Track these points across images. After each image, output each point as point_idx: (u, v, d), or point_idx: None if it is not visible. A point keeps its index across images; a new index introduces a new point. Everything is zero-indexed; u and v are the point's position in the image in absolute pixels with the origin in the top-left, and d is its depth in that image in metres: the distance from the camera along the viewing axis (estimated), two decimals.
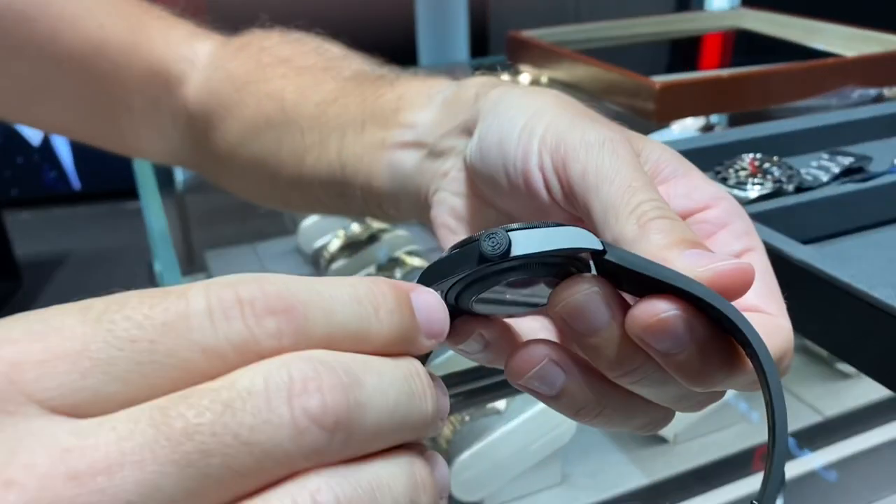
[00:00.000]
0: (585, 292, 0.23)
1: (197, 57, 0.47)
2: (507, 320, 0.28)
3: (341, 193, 0.41)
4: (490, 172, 0.31)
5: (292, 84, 0.43)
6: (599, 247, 0.23)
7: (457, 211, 0.34)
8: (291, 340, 0.17)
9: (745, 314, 0.24)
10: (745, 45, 1.26)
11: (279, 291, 0.17)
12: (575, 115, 0.29)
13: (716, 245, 0.28)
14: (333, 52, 0.45)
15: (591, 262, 0.24)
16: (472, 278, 0.24)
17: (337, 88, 0.41)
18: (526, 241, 0.23)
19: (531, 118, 0.30)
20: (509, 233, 0.23)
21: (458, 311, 0.26)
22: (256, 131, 0.44)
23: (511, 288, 0.25)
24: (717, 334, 0.23)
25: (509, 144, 0.30)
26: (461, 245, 0.24)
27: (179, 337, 0.16)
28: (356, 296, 0.19)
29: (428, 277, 0.24)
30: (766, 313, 0.26)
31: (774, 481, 0.20)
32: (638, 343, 0.23)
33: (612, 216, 0.26)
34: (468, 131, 0.33)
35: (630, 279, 0.24)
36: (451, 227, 0.35)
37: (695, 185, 0.29)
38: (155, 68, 0.47)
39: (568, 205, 0.28)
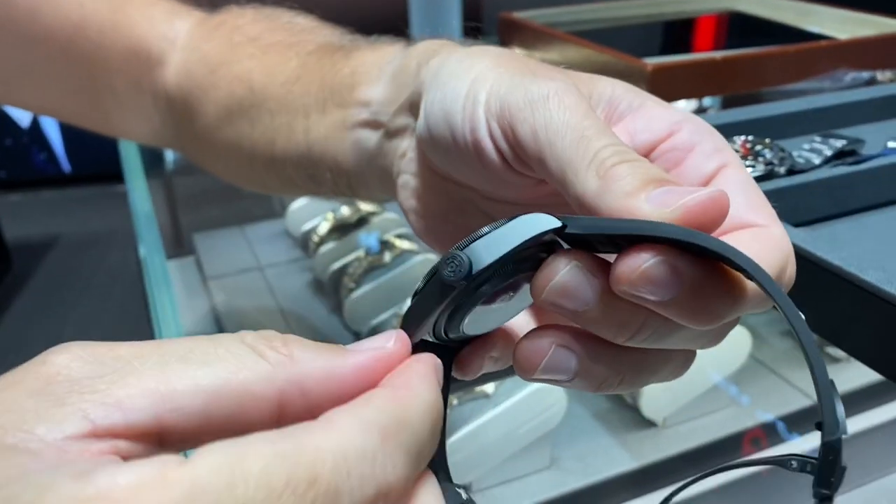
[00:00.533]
0: (563, 271, 0.22)
1: (177, 36, 0.46)
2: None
3: (312, 175, 0.40)
4: (441, 149, 0.30)
5: (260, 64, 0.42)
6: (558, 224, 0.22)
7: (419, 193, 0.34)
8: None
9: (735, 233, 0.23)
10: (739, 28, 1.25)
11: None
12: (516, 73, 0.28)
13: (687, 171, 0.27)
14: (301, 26, 0.44)
15: (559, 240, 0.23)
16: (450, 309, 0.23)
17: (300, 66, 0.40)
18: (485, 251, 0.22)
19: (472, 85, 0.28)
20: (465, 249, 0.22)
21: (455, 342, 0.26)
22: (230, 115, 0.43)
23: (496, 297, 0.24)
24: (708, 267, 0.22)
25: (455, 117, 0.29)
26: (425, 280, 0.23)
27: None
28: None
29: (409, 326, 0.23)
30: (755, 226, 0.25)
31: (825, 392, 0.19)
32: (632, 301, 0.22)
33: (571, 173, 0.24)
34: (415, 108, 0.32)
35: (602, 241, 0.23)
36: (418, 211, 0.34)
37: (653, 115, 0.28)
38: (136, 48, 0.46)
39: (526, 168, 0.27)
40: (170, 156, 0.98)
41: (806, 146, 0.60)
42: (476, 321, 0.25)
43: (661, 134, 0.28)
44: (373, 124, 0.36)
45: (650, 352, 0.25)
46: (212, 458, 0.16)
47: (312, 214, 0.86)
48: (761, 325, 0.73)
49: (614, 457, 0.62)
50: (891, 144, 0.60)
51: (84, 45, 0.46)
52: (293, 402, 0.19)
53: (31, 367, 0.18)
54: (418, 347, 0.24)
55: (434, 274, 0.23)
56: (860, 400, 0.67)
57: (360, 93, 0.36)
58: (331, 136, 0.38)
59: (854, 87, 0.78)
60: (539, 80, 0.27)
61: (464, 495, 0.24)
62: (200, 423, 0.18)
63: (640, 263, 0.21)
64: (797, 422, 0.65)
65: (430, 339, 0.25)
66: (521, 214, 0.22)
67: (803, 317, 0.20)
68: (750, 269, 0.20)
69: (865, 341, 0.42)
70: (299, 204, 0.88)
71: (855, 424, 0.64)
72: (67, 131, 2.73)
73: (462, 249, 0.22)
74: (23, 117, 2.69)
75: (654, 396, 0.63)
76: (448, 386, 0.26)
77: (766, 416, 0.64)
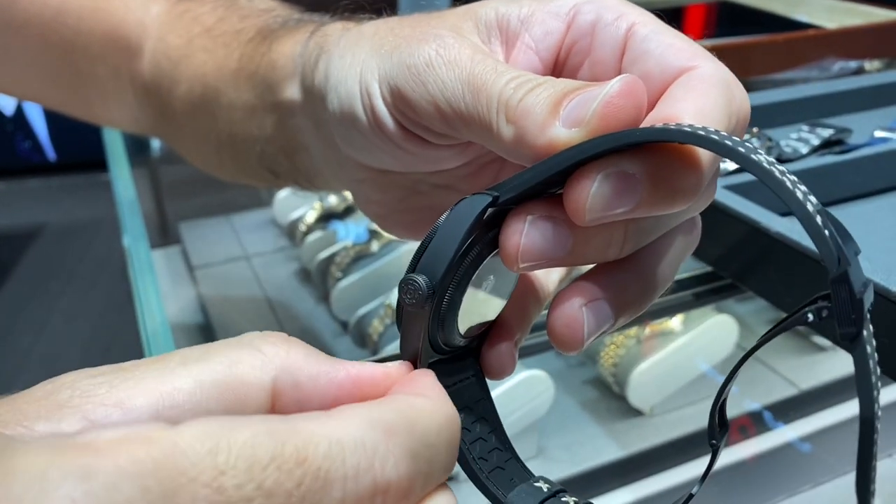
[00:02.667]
0: (523, 234, 0.22)
1: (151, 22, 0.45)
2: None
3: (271, 169, 0.40)
4: (364, 153, 0.30)
5: (212, 58, 0.40)
6: (489, 198, 0.22)
7: (369, 193, 0.33)
8: None
9: (668, 91, 0.22)
10: (728, 17, 1.25)
11: None
12: (394, 49, 0.27)
13: (599, 51, 0.25)
14: (255, 8, 0.42)
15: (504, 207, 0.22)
16: (434, 326, 0.23)
17: (240, 58, 0.39)
18: (435, 262, 0.22)
19: (362, 80, 0.28)
20: (416, 269, 0.22)
21: (466, 344, 0.25)
22: (194, 110, 0.42)
23: (480, 285, 0.24)
24: (654, 153, 0.21)
25: (361, 122, 0.28)
26: (397, 313, 0.23)
27: None
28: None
29: (409, 356, 0.23)
30: (683, 71, 0.23)
31: (812, 229, 0.17)
32: (603, 224, 0.21)
33: (484, 130, 0.24)
34: (321, 123, 0.31)
35: (545, 186, 0.22)
36: (377, 212, 0.34)
37: (545, 15, 0.26)
38: (114, 35, 0.45)
39: (450, 138, 0.27)
40: (155, 144, 0.97)
41: (793, 135, 0.60)
42: (471, 315, 0.25)
43: (561, 27, 0.26)
44: (306, 127, 0.35)
45: (659, 246, 0.24)
46: (200, 427, 0.16)
47: (299, 203, 0.86)
48: (748, 314, 0.74)
49: (601, 446, 0.62)
50: (878, 134, 0.61)
51: (63, 32, 0.45)
52: (286, 392, 0.19)
53: (37, 385, 0.18)
54: (439, 367, 0.24)
55: (399, 309, 0.23)
56: (846, 389, 0.67)
57: (283, 93, 0.35)
58: (277, 133, 0.37)
59: (842, 76, 0.78)
60: (416, 45, 0.26)
61: (545, 487, 0.23)
62: (200, 416, 0.18)
63: (587, 192, 0.20)
64: (784, 410, 0.65)
65: (441, 356, 0.24)
66: (452, 208, 0.22)
67: (763, 156, 0.19)
68: (688, 140, 0.19)
69: None
70: (286, 193, 0.88)
71: (841, 413, 0.65)
72: (52, 119, 2.70)
73: (413, 271, 0.22)
74: (6, 105, 2.67)
75: (641, 385, 0.63)
76: (488, 392, 0.26)
77: (753, 404, 0.65)
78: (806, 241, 0.43)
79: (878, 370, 0.18)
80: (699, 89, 0.22)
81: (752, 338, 0.72)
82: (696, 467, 0.60)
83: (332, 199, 0.83)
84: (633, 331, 0.64)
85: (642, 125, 0.22)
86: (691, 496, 0.22)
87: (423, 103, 0.25)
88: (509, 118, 0.23)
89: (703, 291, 0.51)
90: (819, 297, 0.18)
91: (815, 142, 0.58)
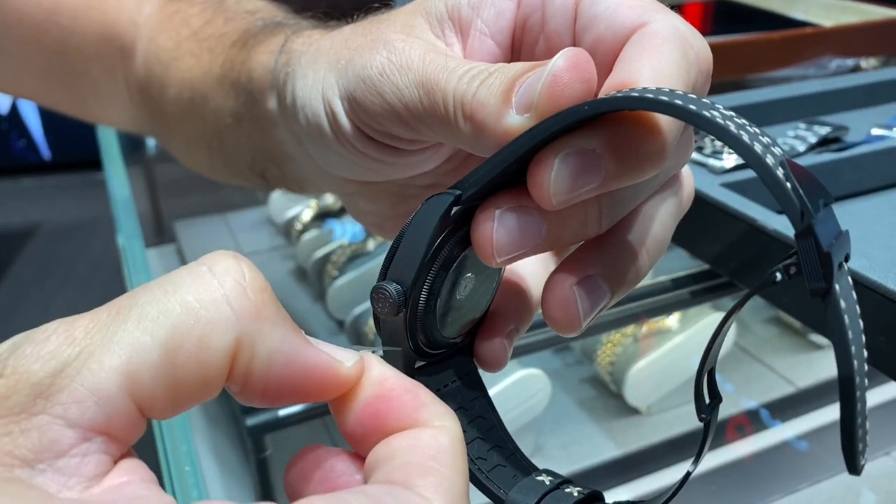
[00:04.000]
0: (494, 229, 0.21)
1: (144, 22, 0.45)
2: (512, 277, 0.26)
3: (263, 176, 0.39)
4: (343, 168, 0.30)
5: (198, 63, 0.40)
6: (451, 196, 0.21)
7: (361, 206, 0.33)
8: None
9: (623, 52, 0.21)
10: (725, 14, 1.25)
11: None
12: (349, 61, 0.26)
13: (549, 18, 0.25)
14: (242, 9, 0.41)
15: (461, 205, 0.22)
16: (412, 331, 0.23)
17: (223, 63, 0.38)
18: (404, 269, 0.21)
19: (324, 98, 0.28)
20: (386, 278, 0.21)
21: (458, 341, 0.25)
22: (184, 114, 0.41)
23: (458, 282, 0.24)
24: (611, 124, 0.20)
25: (330, 141, 0.28)
26: (376, 326, 0.23)
27: None
28: None
29: (397, 365, 0.22)
30: (634, 30, 0.22)
31: (773, 182, 0.17)
32: (571, 204, 0.21)
33: (445, 128, 0.23)
34: (299, 138, 0.31)
35: (508, 176, 0.22)
36: (373, 221, 0.34)
37: (497, 11, 0.25)
38: (108, 34, 0.45)
39: (421, 142, 0.27)
40: (151, 142, 0.96)
41: (790, 133, 0.60)
42: (460, 312, 0.24)
43: (511, 6, 0.26)
44: (287, 137, 0.34)
45: (640, 210, 0.24)
46: None
47: (295, 202, 0.85)
48: (745, 313, 0.74)
49: (598, 444, 0.62)
50: (875, 131, 0.61)
51: (57, 31, 0.45)
52: (240, 360, 0.18)
53: None
54: (429, 370, 0.23)
55: (377, 319, 0.22)
56: None
57: (264, 104, 0.34)
58: (263, 142, 0.36)
59: (838, 74, 0.78)
60: (368, 55, 0.25)
61: (547, 481, 0.23)
62: (168, 385, 0.17)
63: (547, 176, 0.20)
64: (780, 409, 0.65)
65: (428, 359, 0.24)
66: (415, 212, 0.22)
67: (719, 111, 0.18)
68: (637, 106, 0.19)
69: None
70: (281, 191, 0.87)
71: (835, 412, 0.64)
72: (47, 118, 2.69)
73: (384, 279, 0.22)
74: (1, 103, 2.66)
75: (638, 384, 0.63)
76: (485, 389, 0.25)
77: (750, 403, 0.65)
78: None
79: (861, 324, 0.17)
80: (652, 47, 0.21)
81: (749, 336, 0.72)
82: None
83: (329, 198, 0.83)
84: (630, 329, 0.64)
85: (600, 95, 0.21)
86: (689, 474, 0.21)
87: (384, 112, 0.25)
88: (466, 114, 0.22)
89: (700, 290, 0.51)
90: (791, 253, 0.18)
91: (813, 139, 0.58)
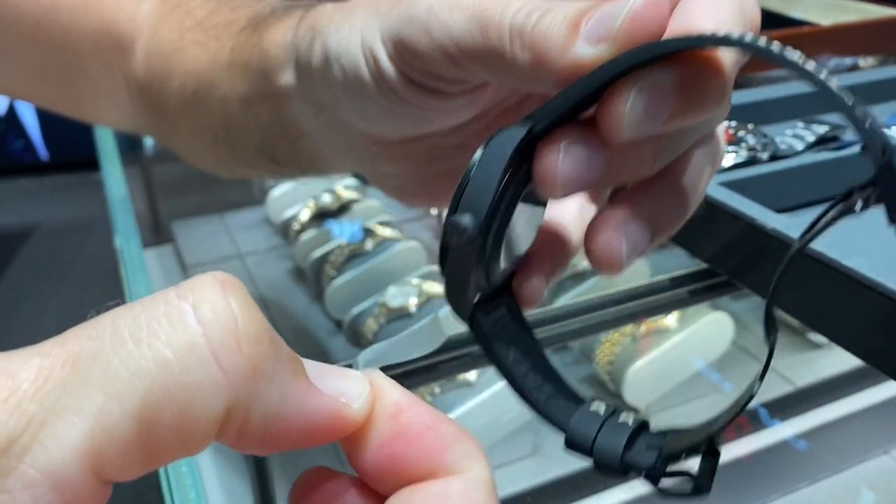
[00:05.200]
0: (560, 160, 0.21)
1: (143, 18, 0.45)
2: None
3: (273, 158, 0.39)
4: (376, 124, 0.30)
5: (204, 51, 0.40)
6: (524, 130, 0.21)
7: (386, 170, 0.32)
8: None
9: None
10: None
11: None
12: (394, 5, 0.26)
13: None
14: None
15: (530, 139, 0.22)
16: (480, 265, 0.23)
17: (232, 49, 0.38)
18: (475, 200, 0.22)
19: (364, 43, 0.27)
20: (458, 211, 0.22)
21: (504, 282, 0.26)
22: (187, 105, 0.41)
23: (509, 226, 0.24)
24: (680, 62, 0.21)
25: (369, 89, 0.28)
26: (441, 260, 0.23)
27: None
28: None
29: (458, 305, 0.23)
30: None
31: (845, 109, 0.18)
32: (640, 139, 0.21)
33: (498, 62, 0.23)
34: (322, 107, 0.31)
35: (577, 110, 0.22)
36: (397, 186, 0.33)
37: None
38: (106, 31, 0.45)
39: (466, 83, 0.26)
40: (148, 142, 0.96)
41: (788, 132, 0.60)
42: (509, 250, 0.25)
43: None
44: (304, 109, 0.34)
45: (684, 157, 0.25)
46: None
47: (293, 201, 0.85)
48: (744, 311, 0.74)
49: None
50: None
51: (54, 29, 0.45)
52: (235, 417, 0.15)
53: None
54: (485, 307, 0.24)
55: (445, 250, 0.22)
56: (841, 386, 0.67)
57: (278, 81, 0.34)
58: (275, 122, 0.36)
59: (837, 73, 0.78)
60: None
61: (601, 410, 0.23)
62: (141, 458, 0.15)
63: (622, 108, 0.20)
64: (779, 408, 0.65)
65: (485, 293, 0.25)
66: (486, 143, 0.22)
67: (797, 53, 0.19)
68: (723, 44, 0.20)
69: (847, 327, 0.42)
70: (280, 191, 0.87)
71: (835, 411, 0.65)
72: (45, 118, 2.69)
73: (455, 213, 0.22)
74: None
75: (637, 383, 0.63)
76: (527, 326, 0.26)
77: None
78: None
79: None
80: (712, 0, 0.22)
81: (748, 336, 0.72)
82: (691, 465, 0.60)
83: (327, 198, 0.83)
84: (629, 329, 0.64)
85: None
86: (751, 398, 0.22)
87: (431, 51, 0.25)
88: (525, 44, 0.22)
89: (699, 289, 0.51)
90: (857, 187, 0.19)
91: (811, 138, 0.58)
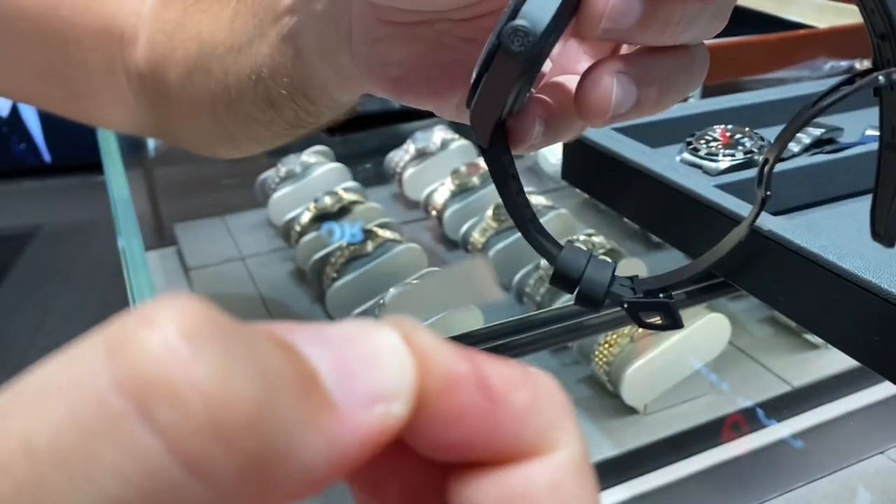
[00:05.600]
0: (613, 86, 0.24)
1: (146, 10, 0.45)
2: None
3: (269, 101, 0.39)
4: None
5: (207, 16, 0.41)
6: None
7: (388, 56, 0.33)
8: None
9: None
10: None
11: None
12: None
13: None
14: None
15: None
16: (527, 77, 0.24)
17: (237, 2, 0.39)
18: (539, 10, 0.22)
19: None
20: (521, 17, 0.22)
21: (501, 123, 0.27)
22: (189, 73, 0.42)
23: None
24: None
25: None
26: (485, 64, 0.23)
27: None
28: None
29: (484, 113, 0.24)
30: None
31: None
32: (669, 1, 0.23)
33: None
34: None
35: None
36: (397, 75, 0.33)
37: None
38: (108, 25, 0.45)
39: None
40: (150, 145, 0.97)
41: None
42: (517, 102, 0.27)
43: None
44: (306, 25, 0.35)
45: (681, 51, 0.27)
46: None
47: (295, 204, 0.86)
48: (740, 312, 0.74)
49: (596, 444, 0.62)
50: (869, 132, 0.61)
51: (57, 25, 0.45)
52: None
53: None
54: (497, 130, 0.25)
55: (495, 51, 0.23)
56: (837, 386, 0.67)
57: (280, 4, 0.36)
58: (275, 52, 0.37)
59: (833, 75, 0.79)
60: None
61: (584, 247, 0.25)
62: None
63: None
64: (776, 408, 0.65)
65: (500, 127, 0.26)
66: None
67: None
68: None
69: (843, 328, 0.42)
70: (281, 193, 0.88)
71: (831, 411, 0.65)
72: (47, 120, 2.70)
73: (515, 18, 0.22)
74: (1, 106, 2.66)
75: (635, 384, 0.63)
76: (511, 158, 0.28)
77: (746, 402, 0.65)
78: (798, 240, 0.43)
79: None
80: None
81: (745, 336, 0.72)
82: (689, 464, 0.60)
83: (327, 200, 0.83)
84: (627, 329, 0.65)
85: None
86: (742, 243, 0.24)
87: None
88: None
89: (696, 290, 0.51)
90: (879, 73, 0.20)
91: (807, 141, 0.58)
